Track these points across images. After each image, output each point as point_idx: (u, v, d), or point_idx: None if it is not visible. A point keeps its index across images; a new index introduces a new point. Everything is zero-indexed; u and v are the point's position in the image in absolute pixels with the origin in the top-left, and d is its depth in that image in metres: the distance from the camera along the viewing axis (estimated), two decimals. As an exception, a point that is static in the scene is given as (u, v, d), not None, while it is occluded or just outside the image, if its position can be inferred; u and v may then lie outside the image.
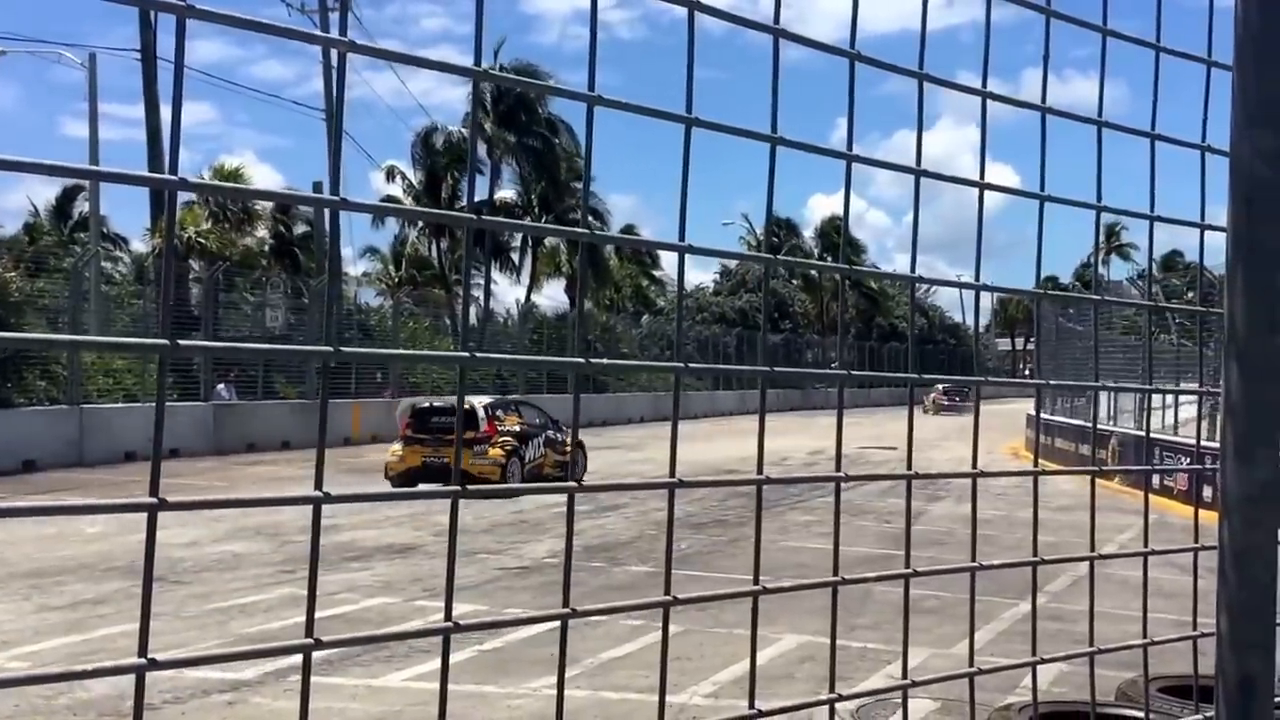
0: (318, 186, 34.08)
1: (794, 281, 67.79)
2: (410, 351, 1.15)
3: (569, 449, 21.39)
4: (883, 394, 63.15)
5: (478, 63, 1.07)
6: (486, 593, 10.23)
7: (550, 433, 20.29)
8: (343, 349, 0.98)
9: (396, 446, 18.90)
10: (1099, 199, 1.65)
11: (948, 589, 8.66)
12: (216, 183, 1.03)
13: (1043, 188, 1.59)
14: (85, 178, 0.90)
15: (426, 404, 19.92)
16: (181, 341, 0.90)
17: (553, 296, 52.95)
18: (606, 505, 16.17)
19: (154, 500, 0.91)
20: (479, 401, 19.54)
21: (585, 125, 1.15)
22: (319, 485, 0.99)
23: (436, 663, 8.04)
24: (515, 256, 49.73)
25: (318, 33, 1.03)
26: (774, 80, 1.28)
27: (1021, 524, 13.73)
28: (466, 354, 1.06)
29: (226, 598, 9.90)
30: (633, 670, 7.69)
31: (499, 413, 19.43)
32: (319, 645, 0.98)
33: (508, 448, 18.84)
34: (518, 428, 19.43)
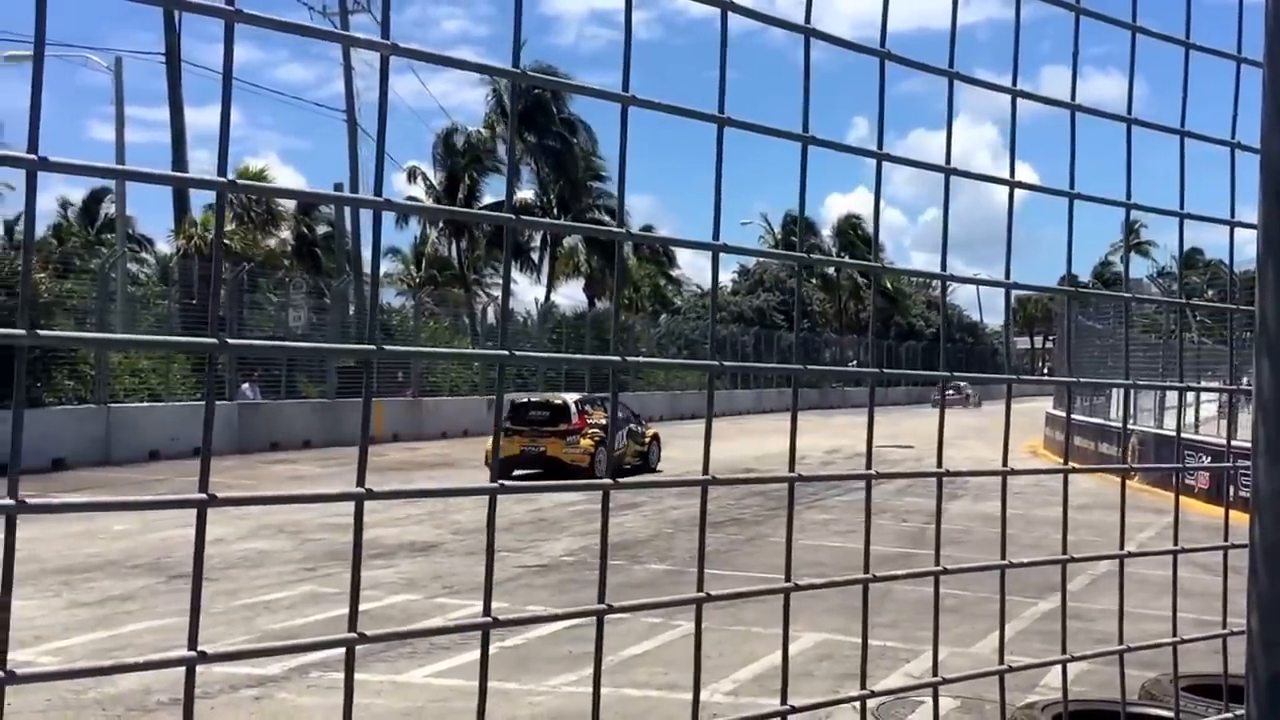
0: (339, 187, 34.22)
1: (812, 280, 67.70)
2: (451, 350, 1.17)
3: (647, 441, 22.52)
4: (899, 393, 63.02)
5: (516, 64, 1.08)
6: (507, 590, 10.27)
7: (631, 426, 22.32)
8: (385, 347, 1.00)
9: None
10: (1128, 196, 1.65)
11: (967, 588, 8.61)
12: (263, 184, 1.05)
13: (1072, 185, 1.59)
14: (138, 180, 0.92)
15: (525, 399, 21.80)
16: (230, 340, 0.92)
17: (571, 296, 53.04)
18: (625, 504, 16.19)
19: (203, 496, 0.93)
20: (571, 398, 21.46)
21: (620, 125, 1.16)
22: (361, 482, 1.00)
23: (458, 659, 8.07)
24: (534, 256, 49.84)
25: (360, 35, 1.04)
26: (805, 80, 1.29)
27: (1040, 523, 13.68)
28: (505, 352, 1.08)
29: (252, 594, 9.97)
30: (652, 668, 7.70)
31: (588, 407, 21.30)
32: (363, 639, 1.00)
33: (595, 438, 20.68)
34: (604, 421, 21.21)
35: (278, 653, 1.05)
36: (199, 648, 0.94)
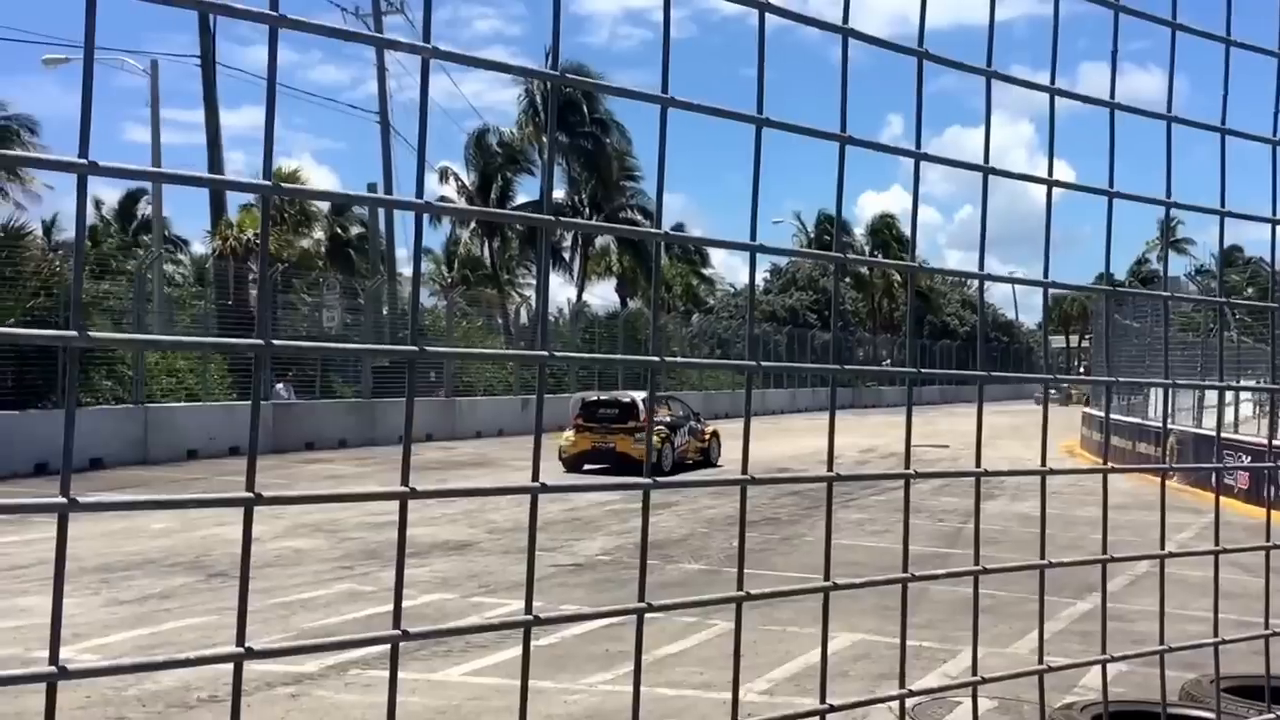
0: (372, 188, 34.46)
1: (846, 280, 67.42)
2: (492, 350, 1.18)
3: (707, 438, 23.32)
4: (933, 392, 62.58)
5: (554, 66, 1.09)
6: (542, 589, 10.30)
7: (691, 424, 23.42)
8: (427, 348, 1.01)
9: (569, 433, 21.87)
10: (1168, 194, 1.64)
11: (1003, 588, 8.58)
12: (307, 187, 1.07)
13: (1111, 184, 1.58)
14: (184, 183, 0.93)
15: (595, 398, 22.84)
16: (275, 341, 0.94)
17: (603, 296, 53.07)
18: (660, 503, 16.20)
19: (250, 495, 0.95)
20: (639, 396, 22.36)
21: (659, 126, 1.17)
22: (405, 480, 1.01)
23: (494, 658, 8.08)
24: (566, 256, 49.94)
25: (401, 39, 1.05)
26: (843, 79, 1.29)
27: (1078, 523, 13.55)
28: (545, 353, 1.09)
29: (288, 593, 10.05)
30: (688, 667, 7.70)
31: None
32: (406, 636, 1.01)
33: (662, 435, 21.78)
34: (669, 418, 22.32)
35: (322, 649, 1.06)
36: (246, 644, 0.95)
